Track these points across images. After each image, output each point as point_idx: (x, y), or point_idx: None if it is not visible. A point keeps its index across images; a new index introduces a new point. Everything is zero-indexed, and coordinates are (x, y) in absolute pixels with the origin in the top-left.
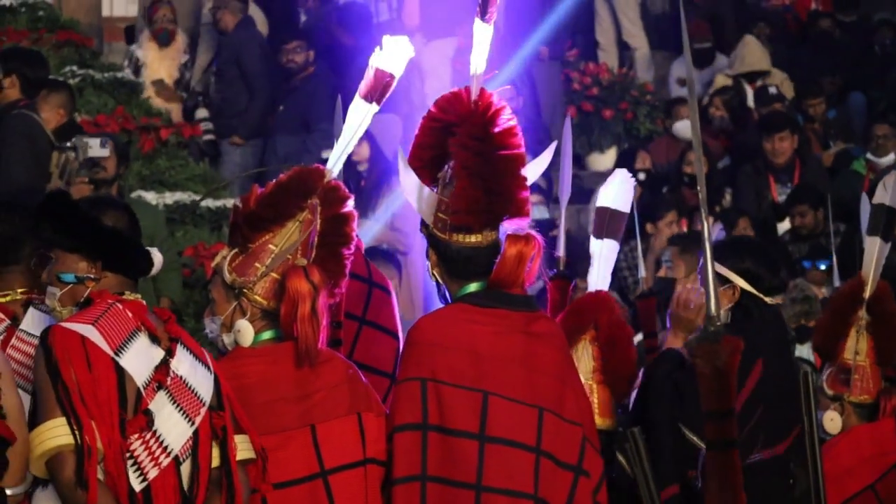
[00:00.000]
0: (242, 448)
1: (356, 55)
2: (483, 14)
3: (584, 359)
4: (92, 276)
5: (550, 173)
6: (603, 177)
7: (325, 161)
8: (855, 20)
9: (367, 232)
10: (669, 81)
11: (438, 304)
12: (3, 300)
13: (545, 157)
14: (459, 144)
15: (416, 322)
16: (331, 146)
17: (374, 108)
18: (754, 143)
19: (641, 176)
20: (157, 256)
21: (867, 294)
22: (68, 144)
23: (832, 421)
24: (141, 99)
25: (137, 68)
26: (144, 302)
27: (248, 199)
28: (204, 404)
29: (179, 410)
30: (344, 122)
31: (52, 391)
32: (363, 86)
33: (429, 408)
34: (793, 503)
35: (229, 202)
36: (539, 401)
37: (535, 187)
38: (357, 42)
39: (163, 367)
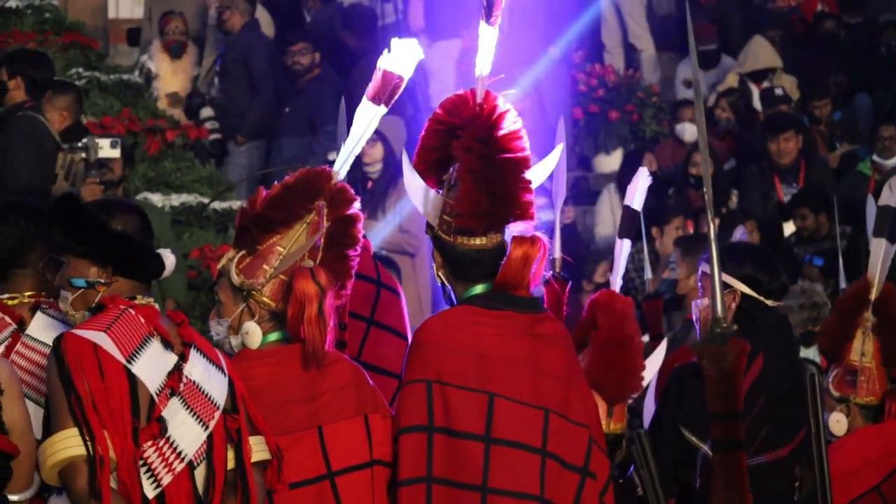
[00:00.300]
0: (258, 449)
1: (361, 57)
2: (488, 17)
3: None
4: (102, 280)
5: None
6: (609, 178)
7: (330, 163)
8: (861, 21)
9: (377, 234)
10: (675, 83)
11: (445, 306)
12: (10, 303)
13: (551, 160)
14: (463, 147)
15: (421, 323)
16: (336, 148)
17: (383, 110)
18: (760, 145)
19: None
20: (170, 258)
21: (873, 296)
22: (79, 145)
23: (838, 422)
24: (147, 101)
25: (148, 78)
26: (157, 306)
27: (254, 200)
28: (218, 408)
29: (193, 416)
30: (347, 124)
31: (64, 401)
32: (371, 88)
33: (434, 409)
34: None
35: (235, 204)
36: (545, 402)
37: (543, 190)
38: (362, 44)
39: (175, 373)
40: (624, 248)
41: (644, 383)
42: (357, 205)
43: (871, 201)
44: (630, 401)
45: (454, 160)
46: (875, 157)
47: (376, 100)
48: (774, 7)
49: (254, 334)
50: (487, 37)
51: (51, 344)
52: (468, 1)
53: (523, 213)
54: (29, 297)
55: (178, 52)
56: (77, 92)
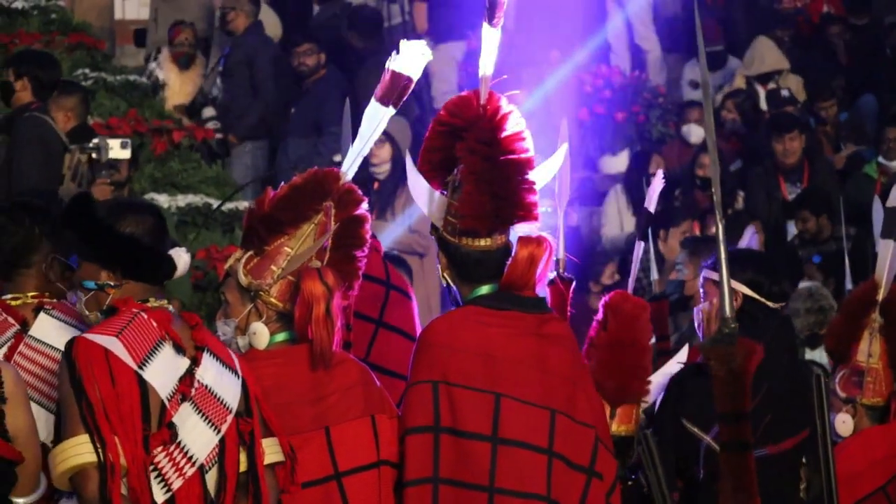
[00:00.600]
0: (271, 451)
1: (367, 58)
2: (490, 18)
3: None
4: (112, 283)
5: None
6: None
7: (336, 164)
8: (867, 23)
9: (387, 234)
10: (682, 84)
11: (453, 307)
12: (13, 304)
13: (555, 161)
14: (467, 149)
15: (427, 324)
16: (340, 149)
17: (391, 111)
18: (765, 146)
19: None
20: (183, 258)
21: (880, 297)
22: (90, 145)
23: (844, 423)
24: (153, 101)
25: (156, 86)
26: (171, 309)
27: (262, 201)
28: (230, 411)
29: (205, 420)
30: (352, 125)
31: (76, 407)
32: (380, 88)
33: (441, 410)
34: None
35: (242, 204)
36: (551, 402)
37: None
38: (368, 45)
39: (187, 378)
40: (640, 250)
41: (652, 387)
42: (365, 205)
43: (877, 203)
44: (645, 404)
45: (458, 161)
46: (881, 159)
47: (384, 100)
48: (780, 8)
49: (261, 335)
50: (490, 38)
51: (54, 345)
52: (472, 4)
53: (527, 215)
54: (32, 297)
55: (186, 64)
56: (84, 93)
